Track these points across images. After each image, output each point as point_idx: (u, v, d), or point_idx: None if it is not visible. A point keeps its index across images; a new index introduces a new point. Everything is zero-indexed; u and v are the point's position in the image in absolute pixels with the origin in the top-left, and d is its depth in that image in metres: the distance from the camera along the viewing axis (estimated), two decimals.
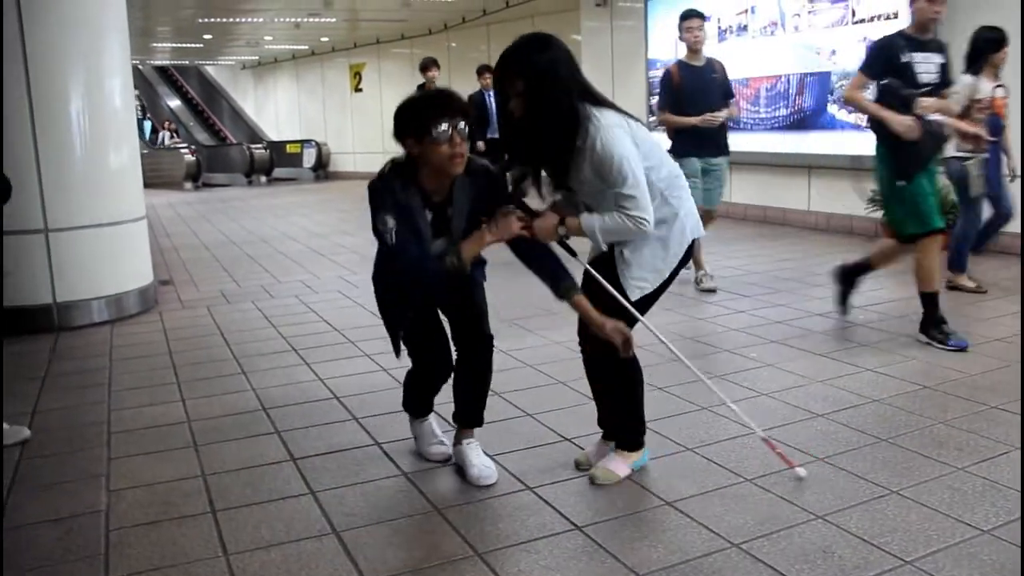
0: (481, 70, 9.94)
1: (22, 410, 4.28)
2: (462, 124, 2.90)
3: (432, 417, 3.61)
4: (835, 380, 4.32)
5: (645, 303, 3.17)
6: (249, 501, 3.17)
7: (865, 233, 8.93)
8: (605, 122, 2.91)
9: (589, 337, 3.22)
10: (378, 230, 2.98)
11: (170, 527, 3.00)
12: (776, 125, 9.90)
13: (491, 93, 9.95)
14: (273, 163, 23.17)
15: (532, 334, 5.33)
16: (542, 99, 2.91)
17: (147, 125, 26.85)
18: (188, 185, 20.75)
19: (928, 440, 3.52)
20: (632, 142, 2.95)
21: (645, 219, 2.92)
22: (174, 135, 24.71)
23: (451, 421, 3.52)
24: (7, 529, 3.03)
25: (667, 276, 3.14)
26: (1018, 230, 7.41)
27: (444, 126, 2.86)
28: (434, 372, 3.42)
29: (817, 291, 6.34)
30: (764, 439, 3.22)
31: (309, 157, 23.42)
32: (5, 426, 3.83)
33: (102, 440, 3.86)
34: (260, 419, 4.05)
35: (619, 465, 3.28)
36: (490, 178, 3.14)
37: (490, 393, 3.91)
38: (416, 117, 2.91)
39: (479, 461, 3.31)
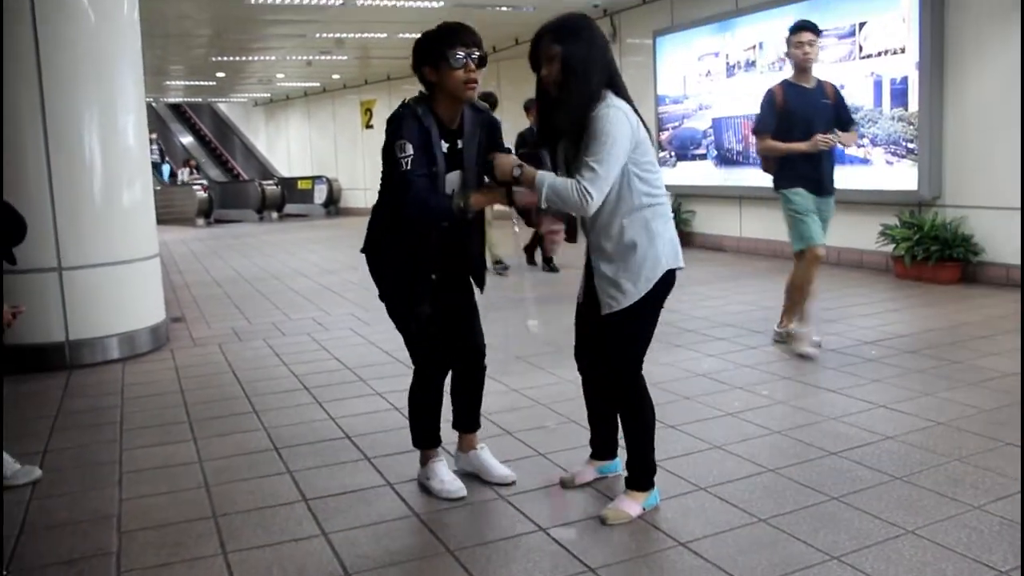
0: (529, 105, 9.19)
1: (34, 449, 4.29)
2: (476, 54, 3.16)
3: (443, 456, 3.64)
4: (848, 417, 4.29)
5: (635, 332, 3.22)
6: (261, 543, 3.15)
7: (876, 267, 8.92)
8: (616, 104, 3.07)
9: (585, 358, 3.47)
10: (393, 158, 3.14)
11: (181, 569, 2.99)
12: None
13: None
14: (284, 199, 23.31)
15: (542, 371, 5.31)
16: (574, 67, 3.06)
17: (166, 168, 26.45)
18: (200, 221, 20.87)
19: (943, 478, 3.49)
20: (630, 136, 3.06)
21: (591, 196, 2.98)
22: (194, 171, 24.24)
23: (450, 448, 3.58)
24: (18, 571, 3.03)
25: (637, 299, 3.13)
26: (1017, 262, 7.43)
27: (460, 53, 3.12)
28: (436, 369, 3.56)
29: (828, 327, 6.32)
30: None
31: (320, 193, 23.57)
32: (16, 466, 3.84)
33: (114, 480, 3.86)
34: (272, 459, 4.05)
35: (630, 505, 3.27)
36: (493, 121, 3.44)
37: (502, 433, 3.97)
38: (434, 46, 3.17)
39: (497, 463, 3.61)
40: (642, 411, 3.28)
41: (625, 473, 3.36)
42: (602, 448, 3.60)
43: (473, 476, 3.65)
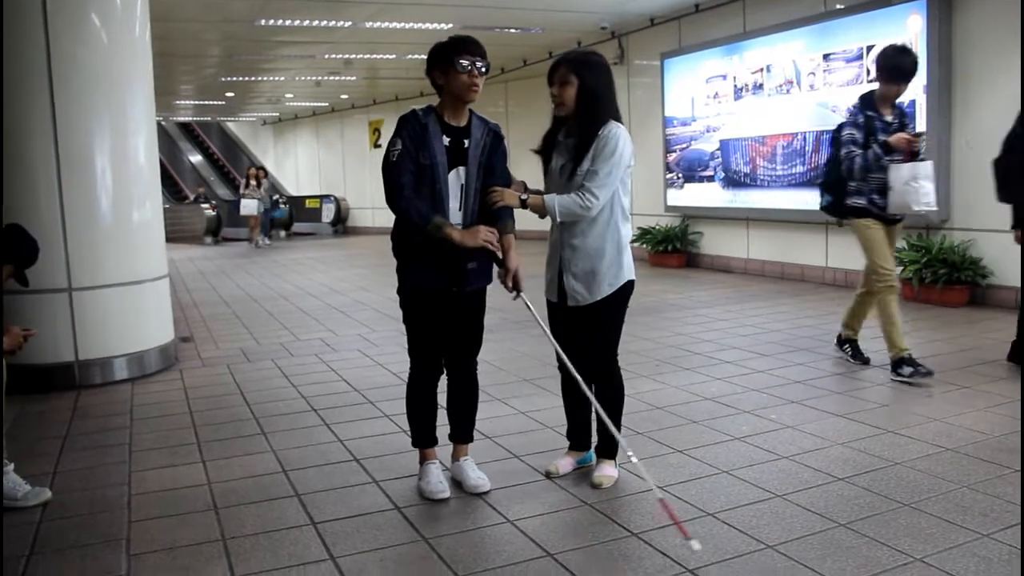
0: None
1: (44, 470, 4.30)
2: (480, 63, 3.52)
3: (438, 463, 3.91)
4: (855, 442, 4.29)
5: (603, 324, 3.75)
6: (269, 567, 3.16)
7: None
8: (622, 128, 3.64)
9: (568, 353, 3.81)
10: (387, 152, 3.57)
11: None
12: (793, 182, 9.95)
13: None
14: (292, 218, 23.38)
15: (548, 393, 5.31)
16: (587, 94, 3.59)
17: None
18: (208, 239, 20.96)
19: (952, 505, 3.48)
20: (630, 157, 3.64)
21: (596, 198, 3.56)
22: (252, 181, 19.83)
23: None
24: None
25: (599, 299, 3.68)
26: (1010, 283, 7.44)
27: (465, 61, 3.49)
28: (432, 367, 3.83)
29: (838, 350, 6.31)
30: (661, 500, 3.28)
31: (328, 212, 23.67)
32: (26, 487, 3.85)
33: (122, 502, 3.87)
34: (280, 481, 4.06)
35: (611, 469, 3.89)
36: (499, 132, 3.76)
37: (509, 456, 3.98)
38: (445, 53, 3.54)
39: (475, 474, 3.86)
40: (617, 392, 3.86)
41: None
42: (578, 440, 4.08)
43: (481, 499, 3.68)
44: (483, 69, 3.55)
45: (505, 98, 17.10)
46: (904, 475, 3.84)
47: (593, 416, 3.94)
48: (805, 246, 10.13)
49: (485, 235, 3.54)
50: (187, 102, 22.07)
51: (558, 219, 3.66)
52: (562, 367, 3.94)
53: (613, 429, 3.61)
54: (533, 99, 16.40)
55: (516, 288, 3.69)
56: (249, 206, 19.21)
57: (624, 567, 3.06)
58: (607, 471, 3.87)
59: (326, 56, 14.76)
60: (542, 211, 3.69)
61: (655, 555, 3.14)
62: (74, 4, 5.94)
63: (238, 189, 21.40)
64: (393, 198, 3.54)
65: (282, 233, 22.51)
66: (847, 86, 9.03)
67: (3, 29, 5.64)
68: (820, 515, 3.43)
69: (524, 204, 3.66)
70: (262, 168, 20.42)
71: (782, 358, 6.17)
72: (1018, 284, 7.70)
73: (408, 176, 3.52)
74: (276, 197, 20.92)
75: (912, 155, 5.39)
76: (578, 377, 3.62)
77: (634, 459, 3.43)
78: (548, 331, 3.73)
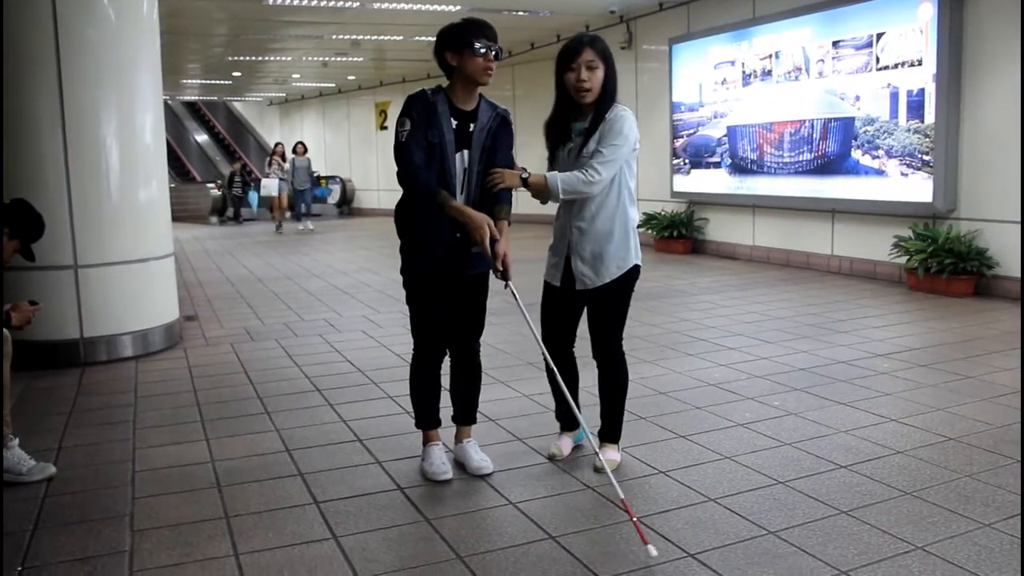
0: None
1: (48, 446, 4.32)
2: (495, 48, 3.52)
3: (441, 445, 3.92)
4: (859, 430, 4.29)
5: (609, 308, 3.78)
6: (272, 544, 3.17)
7: (888, 278, 8.91)
8: (631, 114, 3.69)
9: (558, 342, 3.92)
10: (396, 132, 3.53)
11: (193, 569, 3.01)
12: (800, 169, 9.92)
13: None
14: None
15: None
16: (610, 79, 3.66)
17: (253, 196, 21.78)
18: (213, 219, 20.93)
19: (953, 494, 3.49)
20: (635, 140, 3.66)
21: (599, 174, 3.57)
22: (277, 162, 18.54)
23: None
24: (32, 568, 3.05)
25: (607, 282, 3.69)
26: (1017, 274, 7.42)
27: (481, 44, 3.48)
28: (434, 348, 3.84)
29: (840, 338, 6.32)
30: (624, 503, 3.20)
31: (334, 193, 23.61)
32: (31, 462, 3.87)
33: (127, 479, 3.89)
34: (283, 460, 4.07)
35: (614, 453, 3.91)
36: (507, 117, 3.74)
37: (511, 438, 3.99)
38: (460, 35, 3.52)
39: (477, 456, 3.87)
40: (622, 376, 3.88)
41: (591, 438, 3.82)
42: (568, 419, 4.05)
43: (483, 481, 3.70)
44: (497, 54, 3.54)
45: (512, 82, 17.05)
46: (906, 464, 3.84)
47: (596, 399, 3.96)
48: (811, 234, 10.11)
49: (482, 233, 3.45)
50: (194, 81, 22.02)
51: (560, 196, 3.64)
52: (554, 351, 3.94)
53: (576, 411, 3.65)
54: (540, 82, 16.34)
55: (505, 276, 3.63)
56: (270, 186, 18.36)
57: (626, 550, 3.07)
58: (610, 455, 3.87)
59: (333, 37, 14.71)
60: (543, 190, 3.65)
61: (656, 539, 3.14)
62: None
63: (249, 174, 20.86)
64: (406, 174, 3.52)
65: (288, 213, 22.27)
66: (856, 74, 8.99)
67: (7, 7, 5.63)
68: (822, 502, 3.43)
69: (526, 183, 3.66)
70: (300, 143, 19.19)
71: (786, 345, 6.17)
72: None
73: (420, 154, 3.51)
74: (316, 174, 19.64)
75: None
76: (554, 368, 3.64)
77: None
78: (530, 322, 3.65)
